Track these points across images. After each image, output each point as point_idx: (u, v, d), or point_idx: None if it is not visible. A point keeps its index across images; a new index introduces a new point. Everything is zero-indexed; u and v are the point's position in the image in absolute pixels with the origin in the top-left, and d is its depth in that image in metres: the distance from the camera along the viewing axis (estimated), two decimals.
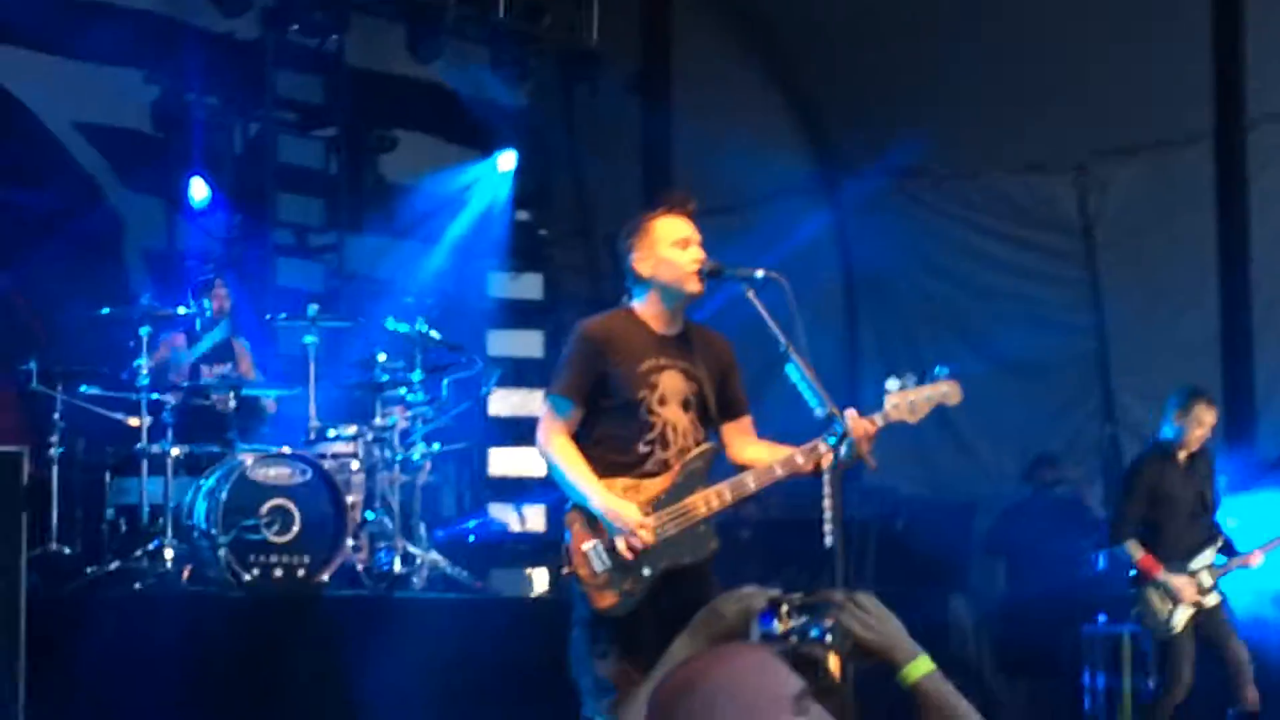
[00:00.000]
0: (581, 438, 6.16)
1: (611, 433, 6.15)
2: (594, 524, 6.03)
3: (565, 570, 6.12)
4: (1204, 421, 9.08)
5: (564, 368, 6.24)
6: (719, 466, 6.25)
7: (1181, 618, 8.98)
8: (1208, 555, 9.09)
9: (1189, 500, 9.13)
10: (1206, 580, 9.04)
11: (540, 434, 6.19)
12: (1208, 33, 11.14)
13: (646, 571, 6.00)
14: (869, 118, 11.93)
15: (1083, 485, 11.33)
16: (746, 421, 6.39)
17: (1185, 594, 8.96)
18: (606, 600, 6.01)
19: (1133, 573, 9.07)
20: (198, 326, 10.27)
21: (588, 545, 6.03)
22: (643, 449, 6.13)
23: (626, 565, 6.00)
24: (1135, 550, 9.03)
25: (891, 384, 6.04)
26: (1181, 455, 9.11)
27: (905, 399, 6.02)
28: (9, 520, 6.39)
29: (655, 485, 6.10)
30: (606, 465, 6.10)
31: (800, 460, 5.98)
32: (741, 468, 6.22)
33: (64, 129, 11.07)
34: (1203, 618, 9.04)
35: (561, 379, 6.21)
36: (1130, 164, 11.18)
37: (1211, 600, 9.05)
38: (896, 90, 11.74)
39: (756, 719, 2.74)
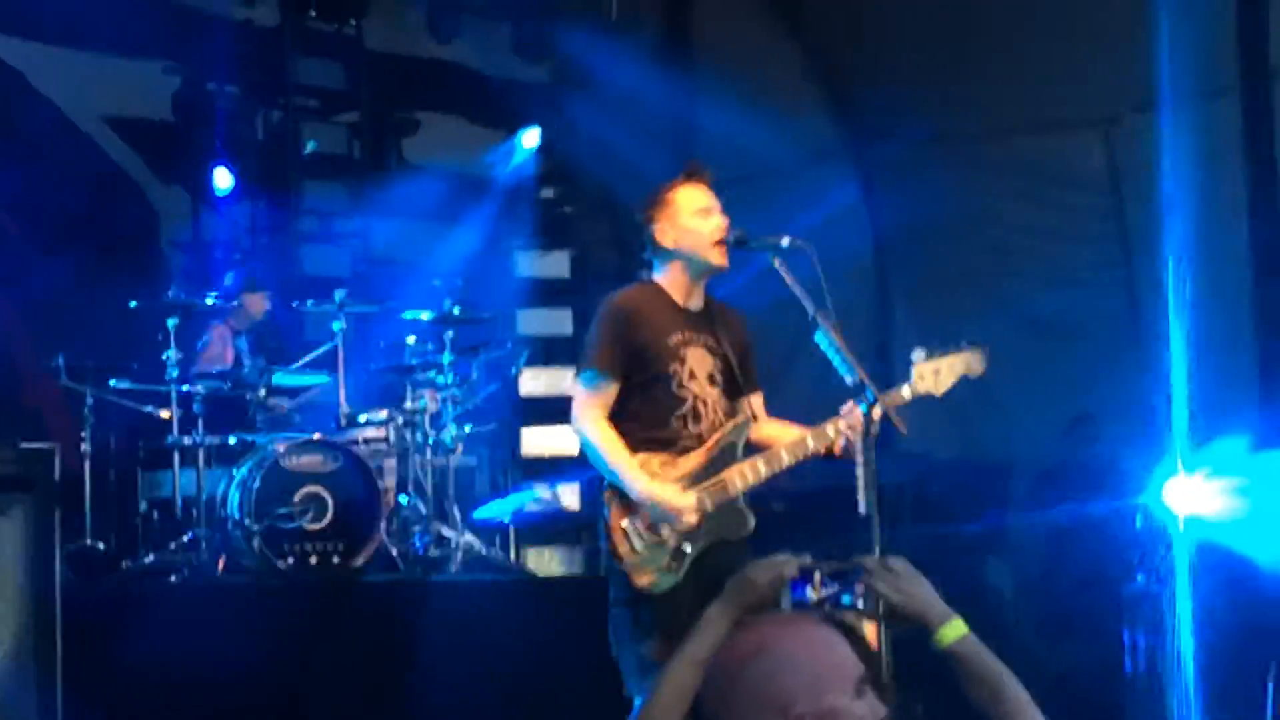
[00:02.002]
0: (614, 415, 6.12)
1: (643, 409, 6.12)
2: (630, 502, 6.00)
3: (606, 550, 6.10)
4: None
5: (594, 342, 6.20)
6: None
7: None
8: None
9: None
10: None
11: (575, 412, 6.16)
12: None
13: (687, 548, 5.97)
14: (894, 80, 11.83)
15: (1120, 443, 11.25)
16: (759, 399, 6.36)
17: None
18: (645, 578, 5.98)
19: None
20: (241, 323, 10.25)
21: (625, 523, 6.00)
22: (675, 424, 6.11)
23: (665, 543, 5.97)
24: None
25: (917, 355, 6.03)
26: None
27: (931, 370, 6.00)
28: (43, 516, 6.36)
29: (690, 461, 6.08)
30: (640, 441, 6.07)
31: (831, 432, 5.95)
32: (758, 445, 6.19)
33: (91, 123, 11.06)
34: None
35: (593, 354, 6.18)
36: (1156, 118, 11.08)
37: None
38: (922, 51, 11.65)
39: (819, 691, 2.80)
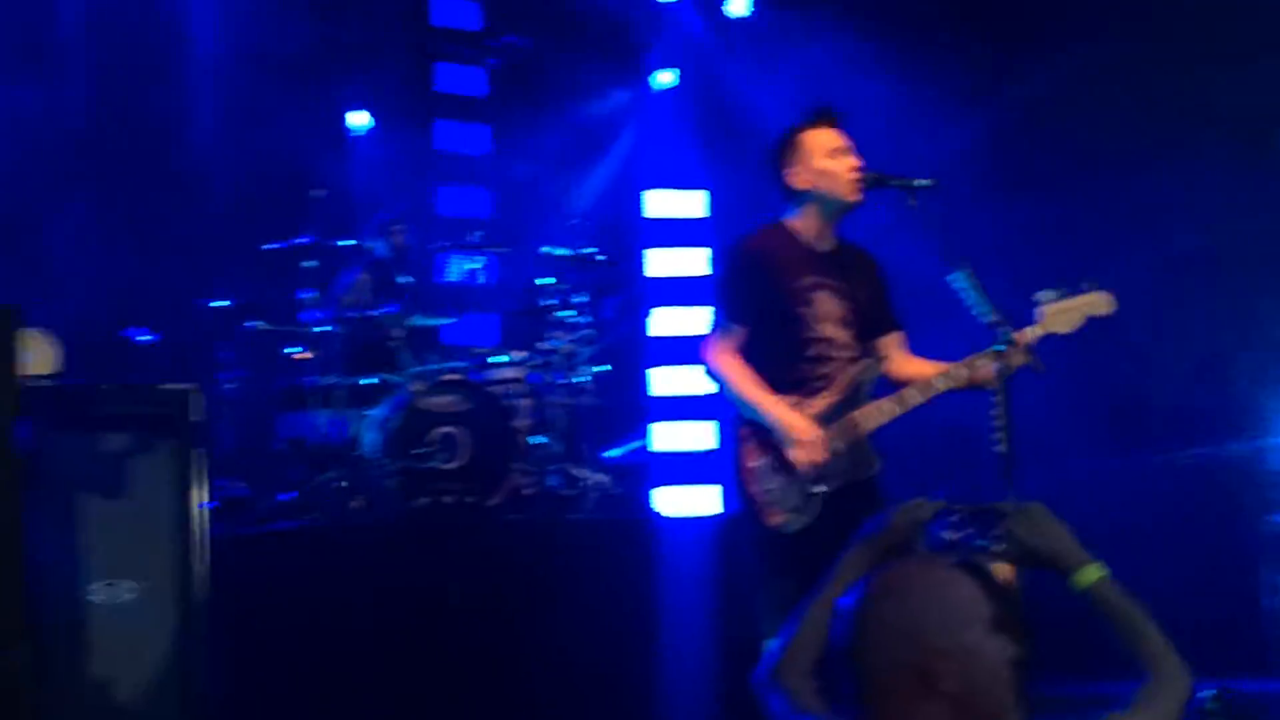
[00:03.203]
0: (745, 357, 6.15)
1: (773, 350, 6.17)
2: (765, 442, 6.03)
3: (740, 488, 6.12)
4: None
5: (725, 286, 6.27)
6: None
7: None
8: None
9: None
10: None
11: (708, 354, 6.22)
12: None
13: (819, 488, 5.99)
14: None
15: (1258, 383, 11.10)
16: (900, 337, 6.40)
17: None
18: (778, 517, 6.00)
19: None
20: (383, 265, 10.28)
21: (760, 462, 6.04)
22: (805, 366, 6.14)
23: (799, 482, 5.98)
24: None
25: (1045, 295, 6.01)
26: None
27: (1059, 310, 5.98)
28: (185, 456, 6.44)
29: (820, 402, 6.11)
30: (770, 383, 6.09)
31: (965, 372, 5.95)
32: (898, 384, 6.19)
33: (228, 62, 11.12)
34: None
35: (723, 300, 6.22)
36: None
37: None
38: None
39: (954, 629, 2.87)
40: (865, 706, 2.93)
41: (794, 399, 6.08)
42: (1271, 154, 10.76)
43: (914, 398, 6.08)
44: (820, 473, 6.00)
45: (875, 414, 6.10)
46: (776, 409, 6.03)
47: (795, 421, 6.00)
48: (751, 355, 6.16)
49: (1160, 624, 3.22)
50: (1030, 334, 5.92)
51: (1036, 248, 10.25)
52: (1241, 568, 10.11)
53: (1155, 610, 3.25)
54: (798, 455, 5.96)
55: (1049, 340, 5.98)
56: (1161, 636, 3.19)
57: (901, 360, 6.35)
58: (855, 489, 6.03)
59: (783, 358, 6.15)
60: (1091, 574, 3.24)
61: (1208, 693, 7.11)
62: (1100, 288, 6.08)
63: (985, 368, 5.86)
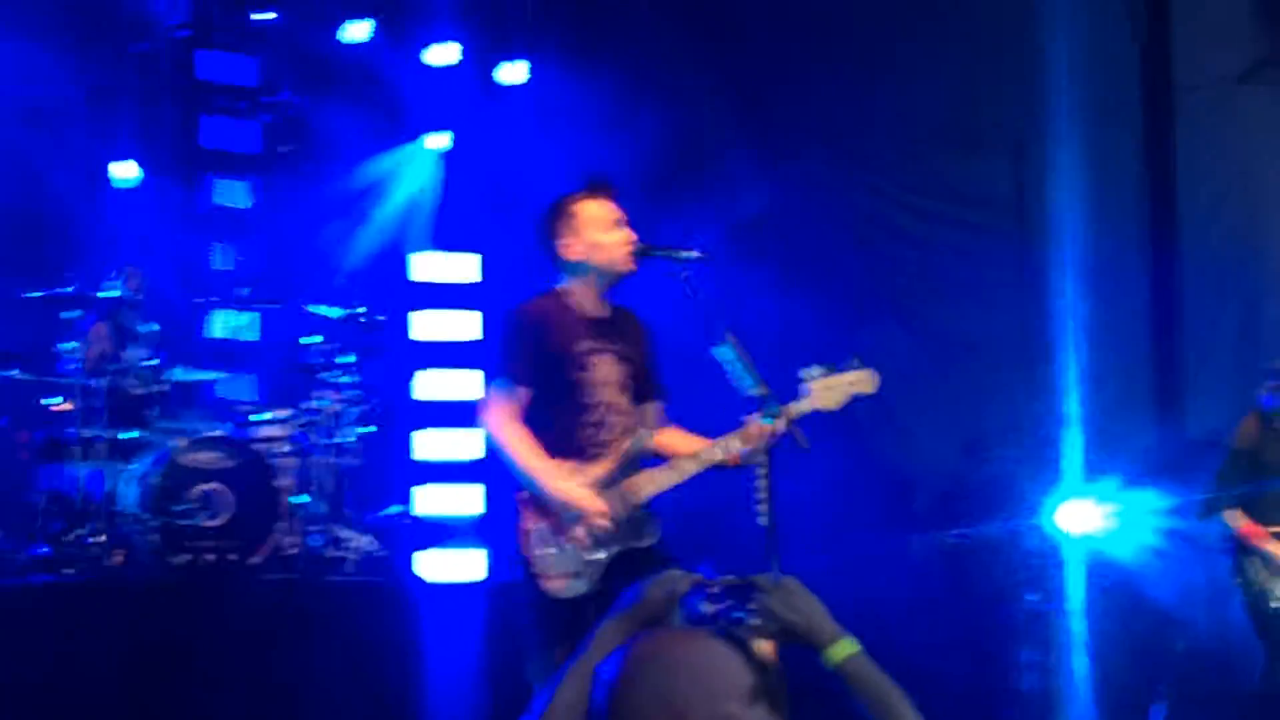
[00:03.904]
0: (527, 422, 6.16)
1: (553, 417, 6.19)
2: (542, 508, 6.04)
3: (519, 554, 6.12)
4: None
5: (506, 351, 6.27)
6: None
7: None
8: None
9: None
10: None
11: (489, 419, 6.21)
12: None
13: (599, 555, 6.01)
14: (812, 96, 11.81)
15: (1015, 464, 11.33)
16: (659, 407, 6.42)
17: None
18: (557, 583, 6.03)
19: (1231, 544, 8.93)
20: (121, 311, 10.08)
21: (537, 526, 6.05)
22: (584, 432, 6.17)
23: (578, 549, 6.00)
24: (1236, 519, 8.91)
25: (810, 372, 6.10)
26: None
27: (824, 386, 6.08)
28: None
29: (597, 468, 6.13)
30: (549, 449, 6.12)
31: (737, 444, 6.00)
32: (656, 453, 6.25)
33: None
34: None
35: (505, 363, 6.23)
36: (1062, 140, 11.16)
37: None
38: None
39: (714, 699, 2.84)
40: None
41: (572, 465, 6.11)
42: (1030, 239, 11.04)
43: (689, 466, 6.13)
44: (597, 539, 6.03)
45: (651, 482, 6.15)
46: (555, 482, 6.04)
47: (576, 495, 6.03)
48: (532, 422, 6.17)
49: (912, 699, 3.25)
50: (795, 409, 6.00)
51: (802, 325, 10.36)
52: (1000, 646, 10.29)
53: (916, 687, 3.29)
54: (581, 532, 5.98)
55: (817, 418, 6.06)
56: (913, 713, 3.23)
57: (661, 430, 6.41)
58: (634, 556, 6.06)
59: (562, 422, 6.18)
60: (843, 649, 3.22)
61: None
62: (865, 365, 6.19)
63: (753, 439, 5.93)
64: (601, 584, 5.98)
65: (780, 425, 5.81)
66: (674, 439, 6.35)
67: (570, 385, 6.18)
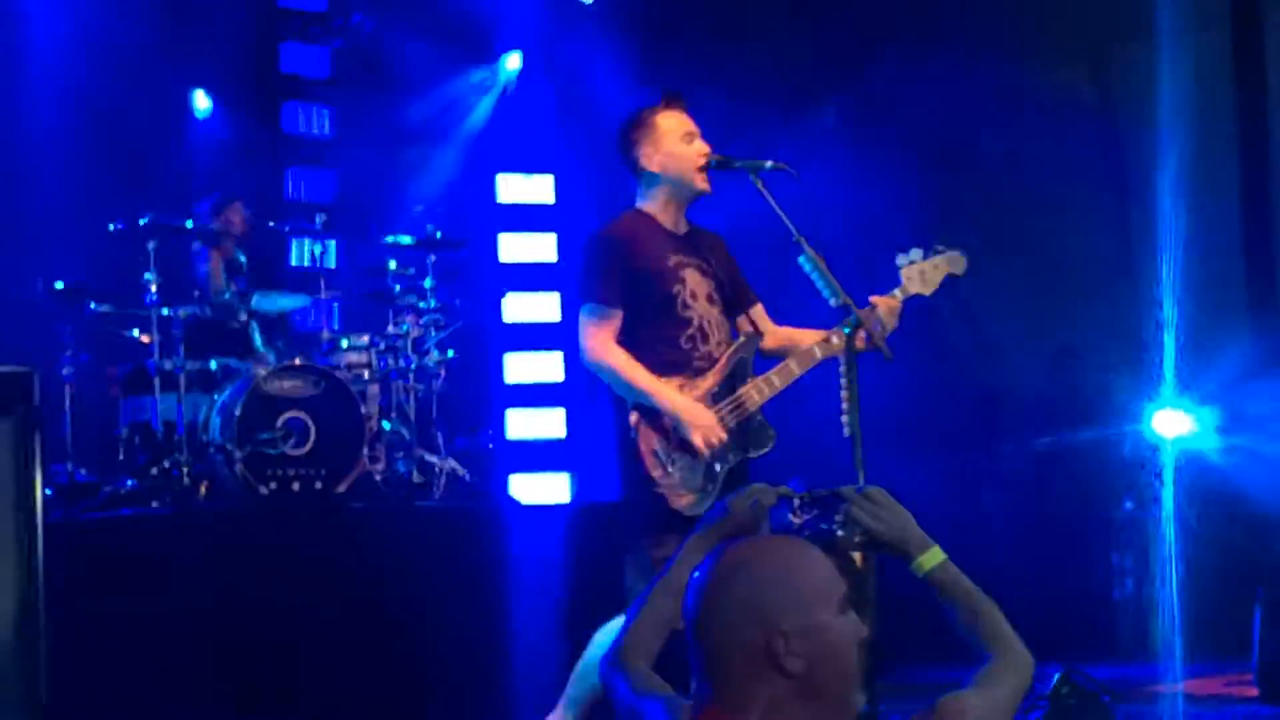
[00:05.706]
0: (623, 344, 6.14)
1: (652, 334, 6.17)
2: (659, 426, 6.03)
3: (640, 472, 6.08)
4: None
5: (593, 274, 6.24)
6: None
7: None
8: None
9: None
10: None
11: (588, 344, 6.18)
12: None
13: (719, 467, 6.03)
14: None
15: (1109, 372, 11.27)
16: (761, 308, 6.43)
17: None
18: (684, 499, 6.03)
19: None
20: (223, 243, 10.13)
21: (658, 446, 6.04)
22: (685, 345, 6.15)
23: (701, 463, 5.99)
24: None
25: (902, 259, 6.17)
26: None
27: (917, 272, 6.14)
28: (23, 441, 6.29)
29: (706, 381, 6.15)
30: (653, 366, 6.11)
31: (836, 340, 6.00)
32: (773, 353, 6.25)
33: (67, 43, 10.92)
34: None
35: (594, 286, 6.21)
36: (1149, 49, 11.02)
37: None
38: None
39: (804, 607, 2.85)
40: (709, 684, 2.88)
41: (679, 380, 6.10)
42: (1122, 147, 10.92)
43: (795, 370, 6.15)
44: (720, 452, 6.02)
45: (763, 388, 6.15)
46: (668, 395, 6.03)
47: (688, 406, 6.01)
48: (631, 341, 6.15)
49: (1003, 607, 3.23)
50: (893, 298, 6.07)
51: (886, 232, 10.29)
52: (1093, 554, 10.25)
53: (1007, 596, 3.28)
54: (696, 438, 5.95)
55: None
56: (1003, 619, 3.23)
57: (772, 330, 6.41)
58: (752, 466, 6.10)
59: (663, 339, 6.17)
60: (932, 558, 3.27)
61: (1055, 674, 7.18)
62: (953, 247, 6.20)
63: (835, 350, 5.98)
64: (724, 496, 5.96)
65: (859, 340, 5.79)
66: (789, 334, 6.38)
67: (666, 301, 6.17)
